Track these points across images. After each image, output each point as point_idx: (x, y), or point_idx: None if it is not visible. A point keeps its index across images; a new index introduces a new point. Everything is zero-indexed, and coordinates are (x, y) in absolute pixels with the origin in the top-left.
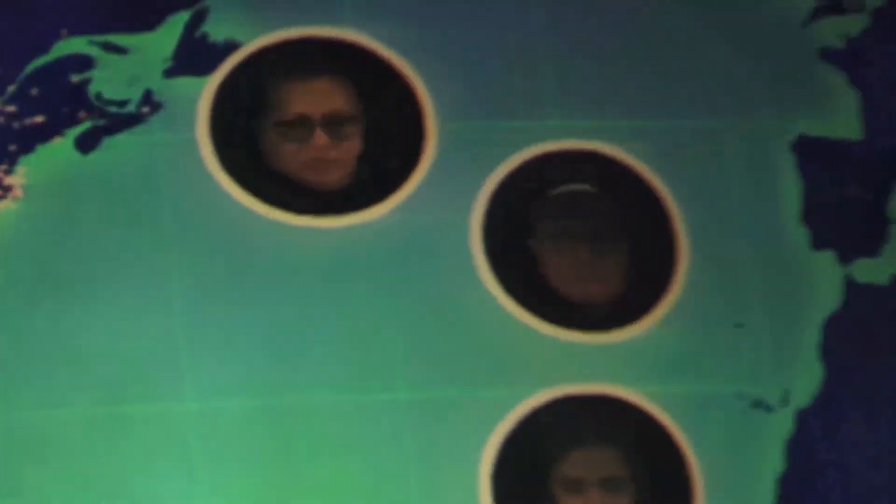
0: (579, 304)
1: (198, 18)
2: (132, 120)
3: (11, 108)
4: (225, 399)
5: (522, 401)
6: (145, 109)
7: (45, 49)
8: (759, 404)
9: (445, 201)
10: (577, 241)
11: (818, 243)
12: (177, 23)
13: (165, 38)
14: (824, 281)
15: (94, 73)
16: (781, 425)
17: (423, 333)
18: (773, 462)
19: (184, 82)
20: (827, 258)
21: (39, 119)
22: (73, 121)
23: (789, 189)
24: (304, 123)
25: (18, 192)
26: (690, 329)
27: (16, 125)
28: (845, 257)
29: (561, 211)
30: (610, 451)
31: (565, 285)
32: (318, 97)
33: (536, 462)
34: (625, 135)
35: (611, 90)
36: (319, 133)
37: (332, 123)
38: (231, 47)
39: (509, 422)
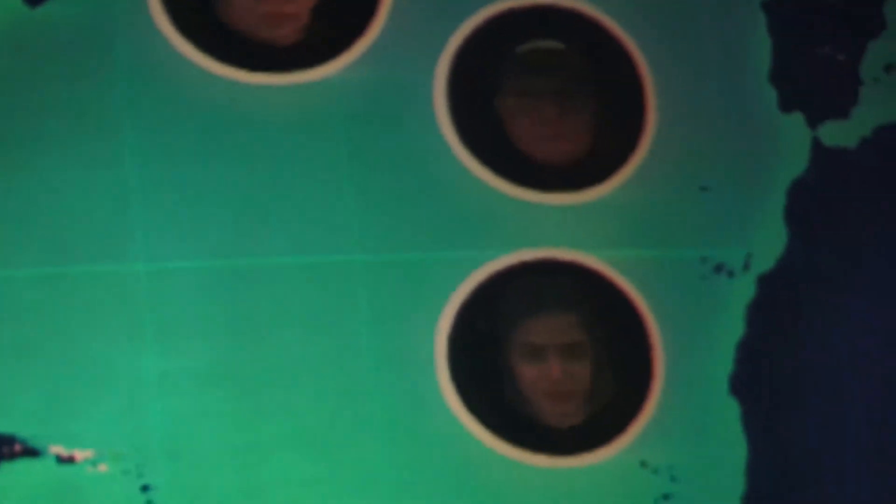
0: (544, 164)
1: None
2: None
3: None
4: (175, 260)
5: (482, 265)
6: None
7: None
8: (720, 269)
9: (407, 58)
10: (543, 99)
11: (786, 105)
12: None
13: None
14: (791, 143)
15: None
16: (743, 290)
17: (381, 194)
18: (733, 327)
19: None
20: (795, 120)
21: None
22: None
23: (759, 49)
24: None
25: None
26: (654, 192)
27: None
28: (813, 119)
29: (528, 68)
30: (570, 317)
31: (530, 144)
32: None
33: (495, 327)
34: None
35: None
36: None
37: None
38: None
39: (468, 286)
